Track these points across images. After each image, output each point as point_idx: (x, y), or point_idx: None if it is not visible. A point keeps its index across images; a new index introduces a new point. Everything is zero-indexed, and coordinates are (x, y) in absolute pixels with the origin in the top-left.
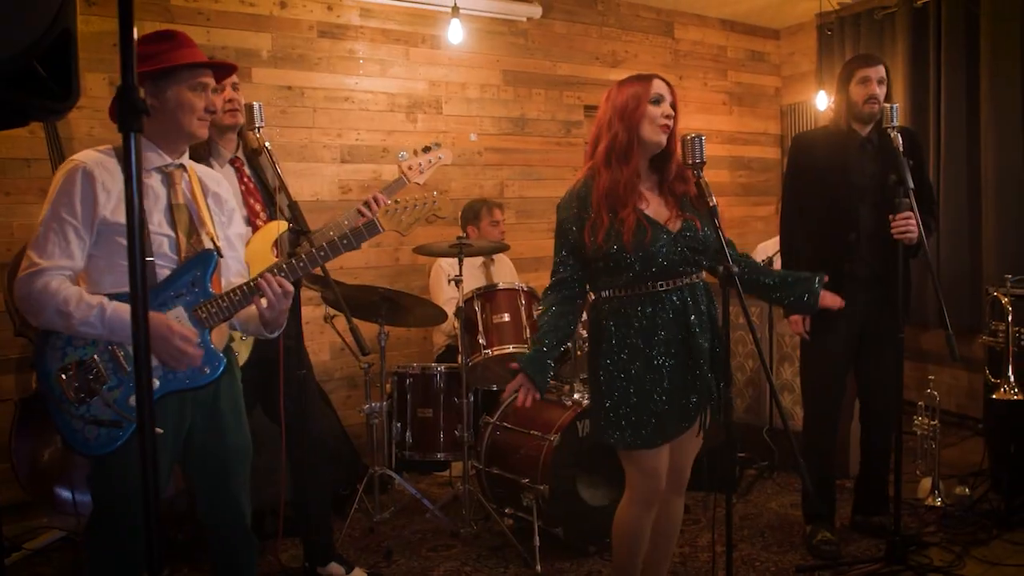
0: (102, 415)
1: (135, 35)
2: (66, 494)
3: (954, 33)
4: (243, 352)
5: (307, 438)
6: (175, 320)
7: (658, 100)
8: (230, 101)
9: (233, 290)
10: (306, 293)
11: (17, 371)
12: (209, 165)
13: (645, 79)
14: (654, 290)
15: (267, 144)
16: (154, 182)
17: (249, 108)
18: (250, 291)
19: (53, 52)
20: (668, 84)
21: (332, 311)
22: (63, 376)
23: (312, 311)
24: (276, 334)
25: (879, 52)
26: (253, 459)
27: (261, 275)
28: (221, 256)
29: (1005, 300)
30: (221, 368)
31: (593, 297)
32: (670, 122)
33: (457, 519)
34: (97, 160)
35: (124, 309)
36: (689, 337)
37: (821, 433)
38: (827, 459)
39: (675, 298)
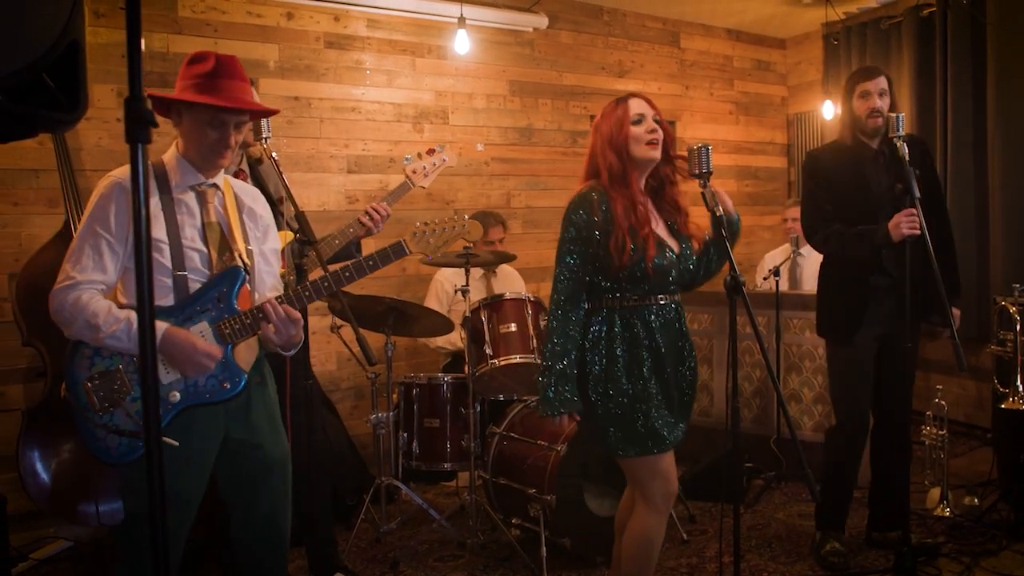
0: (123, 425)
1: (142, 47)
2: (88, 507)
3: (960, 42)
4: None
5: (312, 448)
6: (199, 335)
7: (639, 120)
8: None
9: (256, 307)
10: (313, 303)
11: (25, 381)
12: None
13: (622, 101)
14: (657, 303)
15: (274, 155)
16: (188, 199)
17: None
18: (263, 314)
19: (61, 63)
20: (647, 100)
21: (339, 321)
22: (89, 385)
23: (319, 321)
24: (291, 352)
25: (885, 61)
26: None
27: (267, 301)
28: (248, 272)
29: (1013, 310)
30: (242, 384)
31: (590, 306)
32: (656, 136)
33: (464, 529)
34: None
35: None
36: (681, 341)
37: (854, 440)
38: (853, 468)
39: (667, 309)
